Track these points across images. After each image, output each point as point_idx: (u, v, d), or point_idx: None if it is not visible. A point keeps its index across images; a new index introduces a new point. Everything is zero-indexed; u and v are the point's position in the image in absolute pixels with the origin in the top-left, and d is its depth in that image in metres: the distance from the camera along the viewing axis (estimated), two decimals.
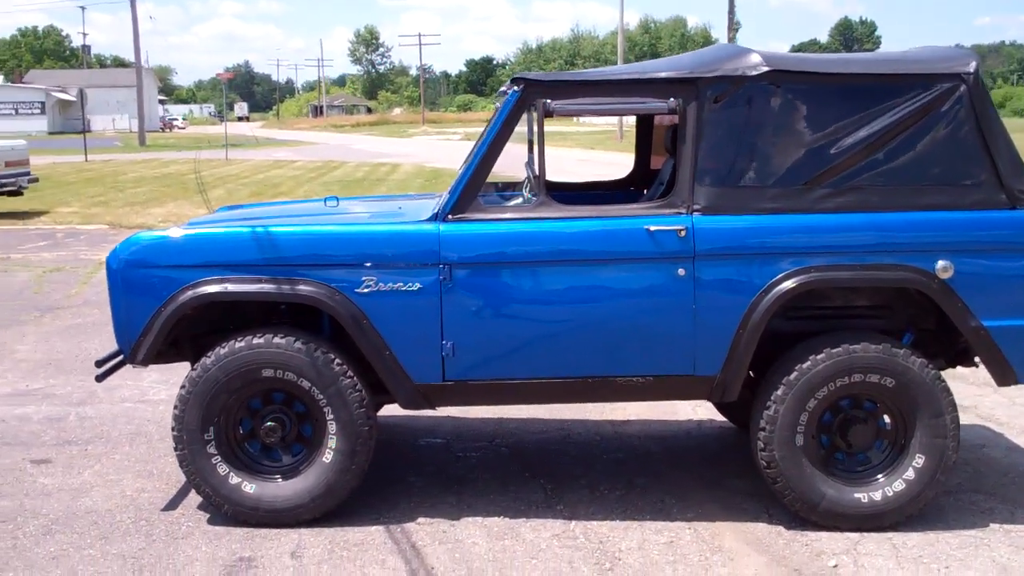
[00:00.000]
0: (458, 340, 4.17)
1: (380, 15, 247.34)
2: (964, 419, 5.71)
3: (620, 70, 4.38)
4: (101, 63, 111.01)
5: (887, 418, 4.24)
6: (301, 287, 4.13)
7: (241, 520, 4.22)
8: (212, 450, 4.18)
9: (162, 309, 4.15)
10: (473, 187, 4.19)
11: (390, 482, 4.78)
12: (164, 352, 4.41)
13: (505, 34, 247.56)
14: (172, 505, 4.46)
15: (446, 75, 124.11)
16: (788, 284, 4.07)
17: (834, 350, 4.11)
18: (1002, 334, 4.15)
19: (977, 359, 4.34)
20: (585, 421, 5.79)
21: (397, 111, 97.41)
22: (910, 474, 4.17)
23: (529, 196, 4.67)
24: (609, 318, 4.16)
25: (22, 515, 4.35)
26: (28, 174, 18.13)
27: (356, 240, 4.20)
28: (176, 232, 4.28)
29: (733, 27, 42.97)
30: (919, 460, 4.17)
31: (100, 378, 4.38)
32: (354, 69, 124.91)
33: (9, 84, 74.54)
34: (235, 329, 4.36)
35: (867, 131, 4.14)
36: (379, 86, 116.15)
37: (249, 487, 4.21)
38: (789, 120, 4.20)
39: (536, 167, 4.29)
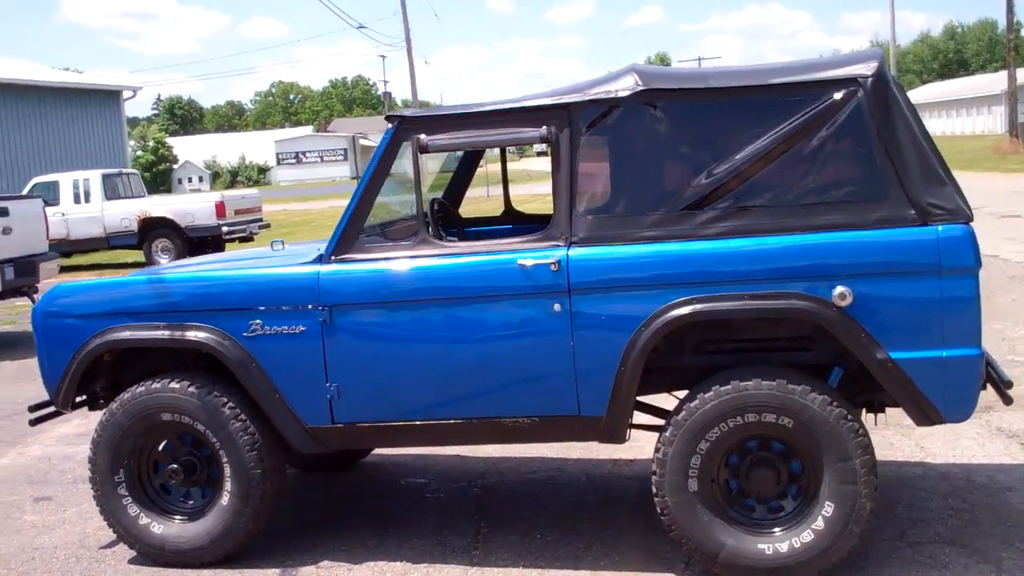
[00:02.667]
0: (343, 383, 4.38)
1: (680, 40, 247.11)
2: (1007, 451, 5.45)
3: (498, 101, 4.50)
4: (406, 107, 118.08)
5: (799, 462, 4.13)
6: (192, 333, 4.47)
7: (152, 560, 4.62)
8: (123, 491, 4.59)
9: (75, 356, 4.63)
10: (353, 228, 4.39)
11: (327, 525, 5.04)
12: (109, 398, 4.99)
13: (812, 49, 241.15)
14: (112, 544, 4.89)
15: None
16: (666, 318, 4.01)
17: (723, 388, 4.01)
18: (916, 367, 3.91)
19: None
20: (585, 460, 5.88)
21: None
22: (819, 524, 3.99)
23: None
24: (489, 358, 4.24)
25: None
26: (260, 220, 21.55)
27: (240, 285, 4.50)
28: (86, 282, 4.81)
29: (1013, 27, 40.79)
30: (828, 508, 3.98)
31: (32, 423, 4.96)
32: None
33: (315, 133, 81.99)
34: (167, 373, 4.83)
35: (754, 148, 4.01)
36: None
37: (157, 528, 4.58)
38: (667, 142, 4.17)
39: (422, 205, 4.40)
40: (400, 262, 4.34)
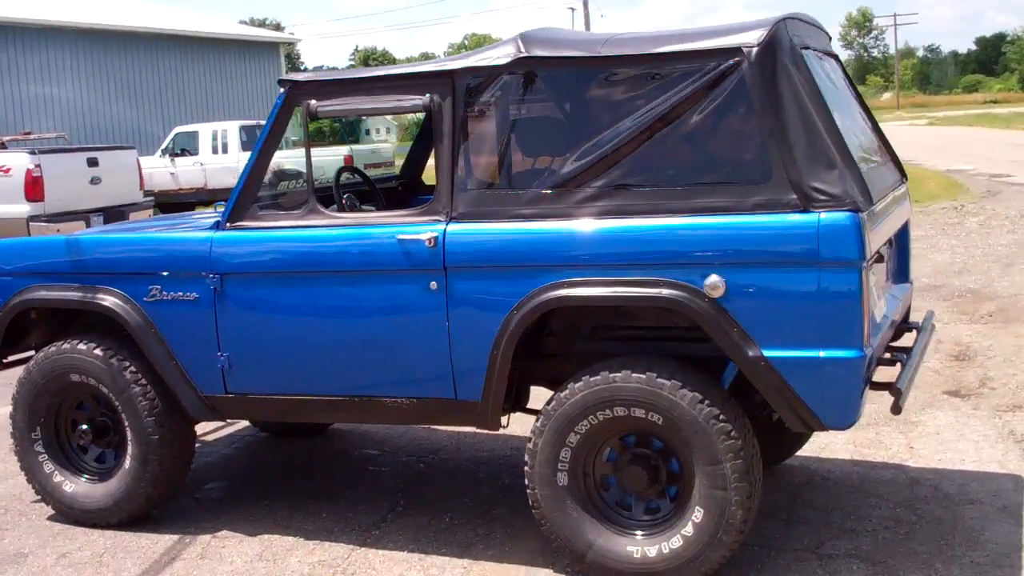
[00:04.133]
0: (233, 352, 4.44)
1: None
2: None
3: (388, 67, 4.45)
4: None
5: (677, 462, 3.95)
6: (100, 296, 4.61)
7: (64, 517, 4.84)
8: (39, 448, 4.80)
9: (1, 315, 4.95)
10: (247, 194, 4.41)
11: (251, 493, 5.16)
12: None
13: None
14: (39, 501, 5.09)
15: (955, 54, 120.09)
16: (536, 301, 3.88)
17: (592, 379, 3.87)
18: (790, 367, 3.66)
19: None
20: None
21: (886, 96, 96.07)
22: (688, 530, 3.80)
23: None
24: (367, 335, 4.23)
25: None
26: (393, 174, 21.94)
27: (143, 249, 4.63)
28: (15, 240, 5.03)
29: None
30: (698, 514, 3.79)
31: None
32: (845, 54, 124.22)
33: None
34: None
35: (632, 123, 3.82)
36: (871, 70, 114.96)
37: (69, 486, 4.78)
38: (547, 114, 4.02)
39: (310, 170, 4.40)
40: (284, 231, 4.35)
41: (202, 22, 33.54)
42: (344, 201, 4.80)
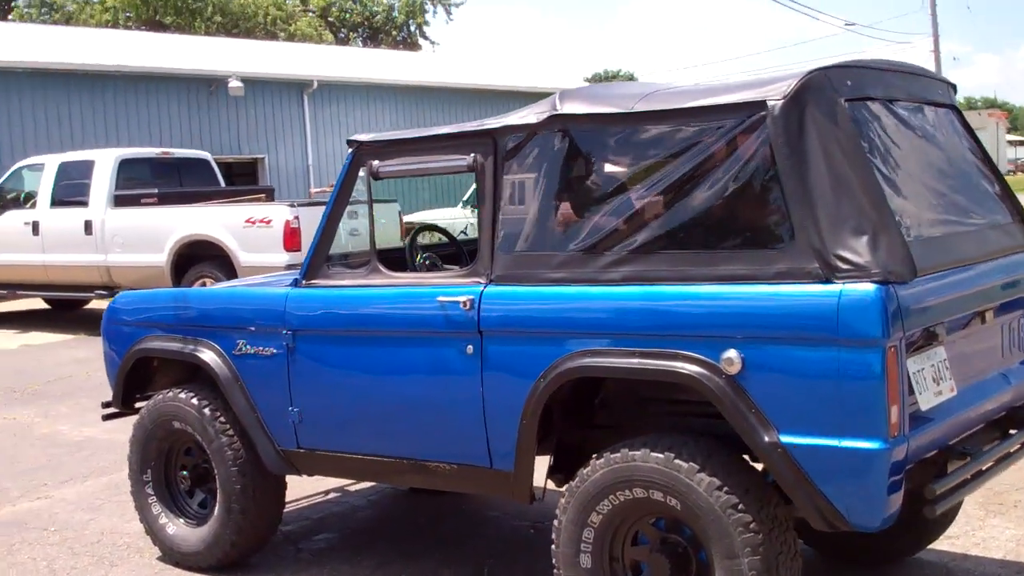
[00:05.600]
0: (303, 407, 4.58)
1: None
2: None
3: (442, 128, 4.40)
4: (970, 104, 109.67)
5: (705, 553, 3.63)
6: (198, 348, 4.90)
7: (167, 557, 5.12)
8: (149, 490, 5.13)
9: (123, 360, 5.35)
10: (320, 252, 4.57)
11: (353, 550, 5.26)
12: None
13: None
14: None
15: None
16: (559, 370, 3.77)
17: (613, 456, 3.69)
18: (809, 456, 3.34)
19: None
20: None
21: None
22: None
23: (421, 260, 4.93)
24: (413, 396, 4.25)
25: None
26: None
27: (233, 302, 4.90)
28: (139, 293, 5.40)
29: None
30: None
31: (104, 418, 5.71)
32: None
33: None
34: None
35: (657, 183, 3.65)
36: None
37: (171, 528, 5.06)
38: (578, 173, 3.90)
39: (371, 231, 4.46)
40: (342, 291, 4.47)
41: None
42: (423, 261, 4.87)
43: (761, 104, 3.49)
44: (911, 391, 3.37)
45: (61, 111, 20.71)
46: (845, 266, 3.29)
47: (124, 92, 21.74)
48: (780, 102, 3.45)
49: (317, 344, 4.55)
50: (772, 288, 3.41)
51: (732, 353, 3.44)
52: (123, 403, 5.34)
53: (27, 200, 14.01)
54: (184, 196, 13.47)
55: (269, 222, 12.26)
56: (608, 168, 3.87)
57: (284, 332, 4.60)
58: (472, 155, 4.13)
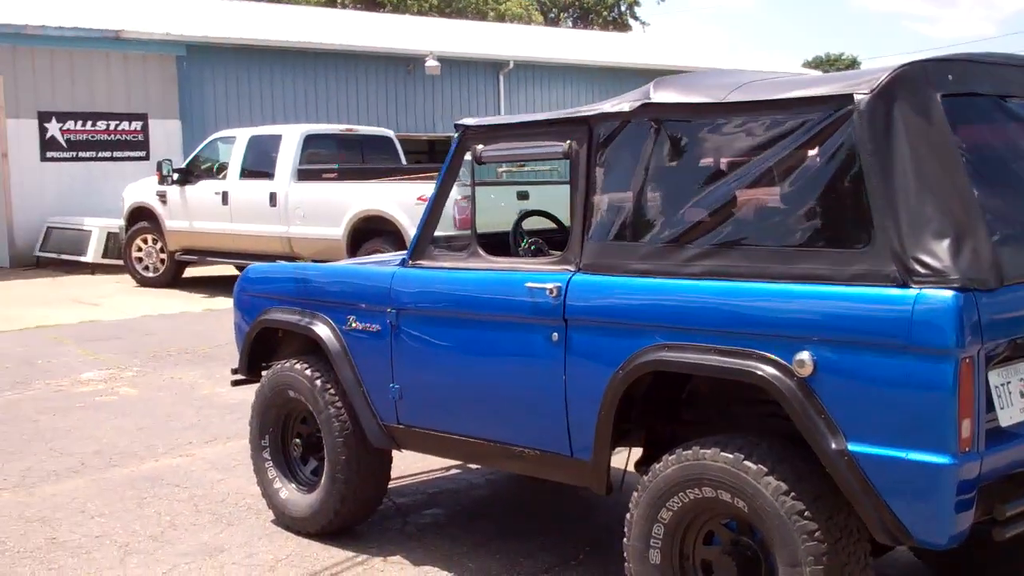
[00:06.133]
0: (403, 384, 4.69)
1: None
2: None
3: (543, 114, 4.37)
4: None
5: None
6: (314, 321, 5.07)
7: (279, 520, 5.33)
8: (266, 455, 5.35)
9: (249, 330, 5.60)
10: (426, 234, 4.67)
11: (459, 526, 5.36)
12: None
13: None
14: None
15: None
16: (636, 363, 3.74)
17: (685, 453, 3.63)
18: (875, 467, 3.19)
19: None
20: None
21: None
22: None
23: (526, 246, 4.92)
24: (501, 380, 4.31)
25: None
26: None
27: (345, 279, 5.03)
28: (270, 265, 5.62)
29: None
30: None
31: (233, 384, 5.96)
32: None
33: None
34: None
35: (742, 176, 3.57)
36: None
37: (284, 493, 5.27)
38: (668, 163, 3.82)
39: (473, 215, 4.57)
40: (441, 272, 4.55)
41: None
42: (528, 246, 4.89)
43: (848, 98, 3.35)
44: (991, 405, 3.20)
45: (264, 87, 21.63)
46: (924, 270, 3.14)
47: (325, 69, 22.53)
48: (867, 96, 3.31)
49: (417, 323, 4.64)
50: (848, 290, 3.29)
51: (805, 355, 3.34)
52: (248, 370, 5.59)
53: (219, 171, 14.74)
54: (363, 172, 13.87)
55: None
56: (697, 159, 3.80)
57: (389, 310, 4.71)
58: (568, 142, 4.12)
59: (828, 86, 3.46)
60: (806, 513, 3.37)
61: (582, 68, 27.45)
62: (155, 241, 15.65)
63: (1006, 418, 3.22)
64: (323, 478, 5.10)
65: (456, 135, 4.57)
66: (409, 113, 24.06)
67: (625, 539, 3.86)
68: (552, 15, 58.37)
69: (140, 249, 15.81)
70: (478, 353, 4.42)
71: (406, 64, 23.83)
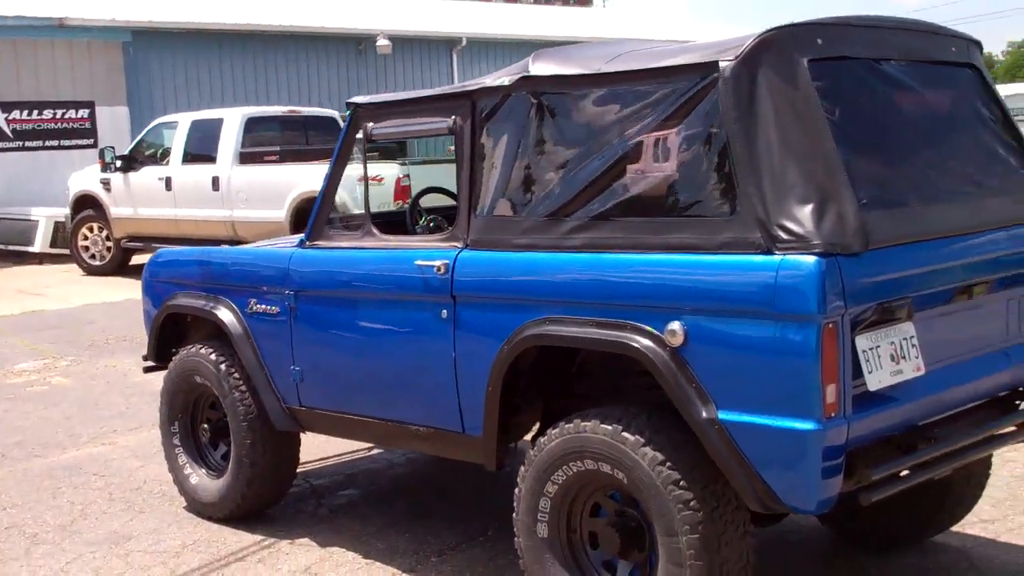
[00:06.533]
0: (303, 366, 4.65)
1: None
2: None
3: (432, 90, 4.35)
4: None
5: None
6: (218, 305, 5.01)
7: (190, 506, 5.29)
8: (177, 442, 5.30)
9: (155, 317, 5.53)
10: (322, 214, 4.61)
11: (372, 506, 5.33)
12: None
13: None
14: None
15: None
16: (519, 337, 3.71)
17: (567, 426, 3.61)
18: (745, 435, 3.19)
19: None
20: None
21: None
22: None
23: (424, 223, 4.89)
24: (394, 359, 4.28)
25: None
26: None
27: (244, 262, 4.98)
28: (175, 250, 5.57)
29: None
30: None
31: (145, 371, 5.89)
32: None
33: None
34: None
35: (614, 147, 3.54)
36: None
37: (194, 479, 5.22)
38: (547, 137, 3.78)
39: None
40: (335, 252, 4.51)
41: None
42: (427, 223, 4.86)
43: (713, 65, 3.33)
44: (860, 370, 3.20)
45: (213, 70, 21.47)
46: (787, 237, 3.13)
47: (275, 51, 22.36)
48: (732, 63, 3.29)
49: (314, 304, 4.60)
50: (716, 259, 3.28)
51: (676, 325, 3.32)
52: (157, 357, 5.53)
53: (163, 156, 14.59)
54: (306, 153, 13.80)
55: (381, 179, 12.45)
56: (574, 132, 3.75)
57: (287, 292, 4.67)
58: (452, 117, 4.09)
59: (696, 54, 3.44)
60: (681, 483, 3.36)
61: (539, 43, 27.07)
62: (101, 229, 15.50)
63: (875, 382, 3.21)
64: (230, 463, 5.06)
65: (348, 113, 4.53)
66: (361, 93, 23.72)
67: (515, 514, 3.85)
68: None
69: (86, 238, 15.65)
70: (372, 333, 4.39)
71: (357, 43, 23.70)
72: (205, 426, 5.30)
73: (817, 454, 3.10)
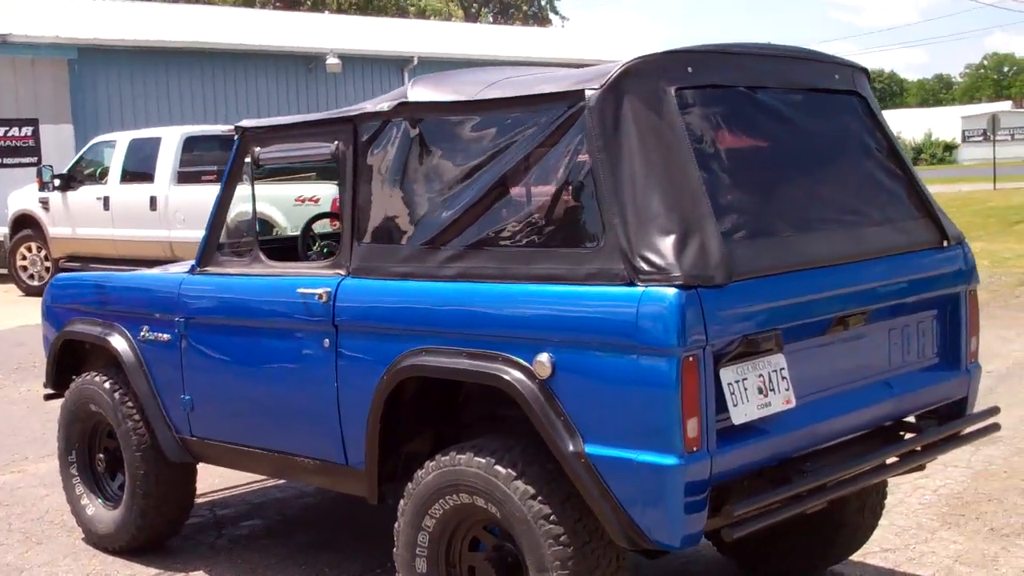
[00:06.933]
0: (194, 396, 4.56)
1: None
2: None
3: (317, 114, 4.29)
4: None
5: None
6: (111, 332, 4.90)
7: (87, 538, 5.17)
8: (73, 471, 5.19)
9: (54, 342, 5.40)
10: (212, 239, 4.53)
11: (273, 537, 5.25)
12: None
13: None
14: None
15: None
16: (397, 368, 3.65)
17: (443, 459, 3.56)
18: (610, 469, 3.15)
19: None
20: None
21: None
22: None
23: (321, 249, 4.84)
24: (279, 388, 4.21)
25: None
26: None
27: (138, 288, 4.88)
28: (71, 276, 5.47)
29: None
30: None
31: (46, 398, 5.75)
32: None
33: (1012, 110, 78.76)
34: None
35: (487, 176, 3.51)
36: None
37: (91, 509, 5.11)
38: (422, 164, 3.75)
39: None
40: (221, 279, 4.44)
41: None
42: (321, 249, 4.80)
43: (580, 94, 3.30)
44: (726, 404, 3.16)
45: (160, 88, 21.33)
46: (649, 268, 3.10)
47: (224, 69, 22.25)
48: (597, 91, 3.27)
49: (203, 332, 4.52)
50: (581, 290, 3.24)
51: (544, 356, 3.28)
52: (55, 384, 5.42)
53: (101, 176, 14.43)
54: None
55: (317, 200, 12.38)
56: (449, 159, 3.71)
57: (177, 319, 4.58)
58: (335, 143, 4.04)
59: (565, 82, 3.40)
60: (552, 517, 3.31)
61: (493, 63, 27.33)
62: (39, 249, 15.31)
63: (740, 415, 3.17)
64: (124, 494, 4.96)
65: (236, 137, 4.46)
66: (312, 111, 23.75)
67: (395, 548, 3.78)
68: (473, 10, 58.28)
69: (24, 257, 15.47)
70: (259, 361, 4.31)
71: (306, 62, 23.60)
72: (101, 456, 5.19)
73: (679, 489, 3.06)
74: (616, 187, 3.19)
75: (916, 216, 3.93)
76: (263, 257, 4.37)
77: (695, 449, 3.06)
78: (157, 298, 4.73)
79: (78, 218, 14.48)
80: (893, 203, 3.90)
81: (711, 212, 3.16)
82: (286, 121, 4.35)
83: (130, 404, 4.87)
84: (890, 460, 3.76)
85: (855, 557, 4.66)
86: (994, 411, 4.06)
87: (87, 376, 5.09)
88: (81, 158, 15.01)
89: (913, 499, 5.44)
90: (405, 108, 3.80)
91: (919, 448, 3.82)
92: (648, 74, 3.29)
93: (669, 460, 3.04)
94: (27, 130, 19.32)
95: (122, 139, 14.41)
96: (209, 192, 13.24)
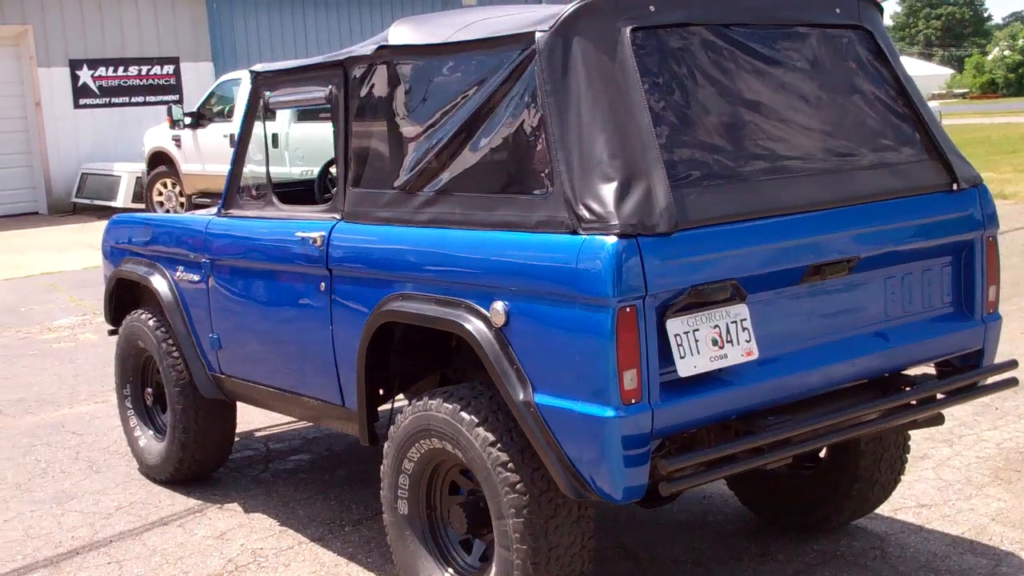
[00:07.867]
0: (220, 334, 4.74)
1: None
2: None
3: (321, 57, 4.29)
4: None
5: None
6: (153, 272, 5.12)
7: (140, 468, 5.48)
8: (128, 404, 5.47)
9: (108, 282, 5.64)
10: (234, 182, 4.69)
11: (317, 472, 5.42)
12: None
13: None
14: None
15: None
16: (378, 312, 3.71)
17: (418, 403, 3.61)
18: (557, 419, 3.12)
19: None
20: None
21: None
22: None
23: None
24: (284, 329, 4.35)
25: None
26: None
27: (172, 230, 5.07)
28: (128, 216, 5.64)
29: None
30: (492, 573, 3.42)
31: (110, 333, 6.01)
32: None
33: None
34: None
35: (456, 121, 3.49)
36: None
37: (143, 441, 5.38)
38: (403, 108, 3.74)
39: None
40: (239, 221, 4.57)
41: None
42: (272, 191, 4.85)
43: (531, 36, 3.24)
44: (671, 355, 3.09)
45: (296, 25, 21.63)
46: (590, 216, 3.05)
47: (359, 5, 22.43)
48: (547, 33, 3.20)
49: (224, 273, 4.67)
50: (530, 238, 3.21)
51: (499, 304, 3.28)
52: (113, 321, 5.68)
53: (229, 113, 14.86)
54: None
55: None
56: (425, 103, 3.70)
57: (204, 260, 4.75)
58: (329, 86, 4.08)
59: (520, 23, 3.34)
60: (509, 465, 3.32)
61: None
62: (174, 185, 15.94)
63: (687, 368, 3.10)
64: (167, 427, 5.20)
65: (251, 80, 4.55)
66: None
67: (381, 489, 3.86)
68: None
69: (160, 193, 16.13)
70: (268, 303, 4.45)
71: None
72: (149, 390, 5.43)
73: (616, 441, 3.03)
74: (563, 133, 3.14)
75: (922, 159, 3.72)
76: (275, 200, 4.47)
77: (633, 401, 3.02)
78: (189, 240, 4.90)
79: (207, 155, 14.98)
80: (894, 146, 3.70)
81: (659, 158, 3.07)
82: (291, 65, 4.41)
83: (170, 342, 5.08)
84: (897, 413, 3.61)
85: (886, 512, 4.53)
86: (1012, 364, 3.86)
87: (135, 314, 5.32)
88: (210, 95, 15.48)
89: (972, 452, 5.22)
90: (385, 51, 3.81)
91: (914, 402, 3.67)
92: (601, 14, 3.20)
93: (606, 412, 3.01)
94: (168, 68, 19.98)
95: (247, 77, 14.76)
96: (326, 129, 13.52)
